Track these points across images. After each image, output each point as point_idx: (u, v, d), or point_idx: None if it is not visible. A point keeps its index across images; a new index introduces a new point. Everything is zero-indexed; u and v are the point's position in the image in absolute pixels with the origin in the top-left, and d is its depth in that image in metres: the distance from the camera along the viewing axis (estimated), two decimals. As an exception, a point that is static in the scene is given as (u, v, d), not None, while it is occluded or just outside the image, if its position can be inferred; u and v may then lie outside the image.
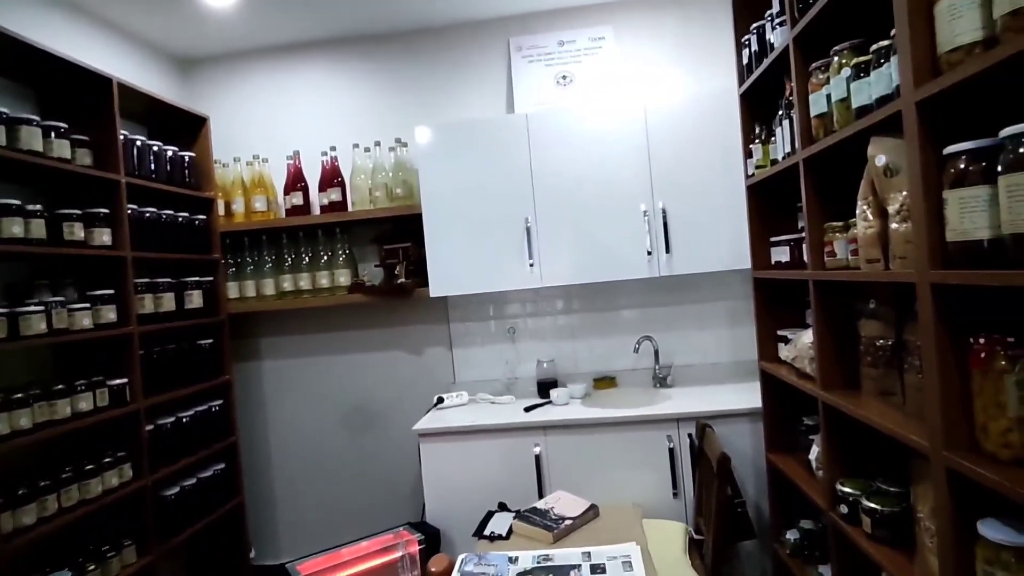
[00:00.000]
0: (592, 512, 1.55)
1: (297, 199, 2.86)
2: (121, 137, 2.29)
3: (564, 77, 2.93)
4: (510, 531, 1.53)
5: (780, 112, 1.74)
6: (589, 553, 1.37)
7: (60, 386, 1.96)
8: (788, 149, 1.67)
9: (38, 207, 1.96)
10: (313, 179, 2.92)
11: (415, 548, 2.28)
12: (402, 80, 3.03)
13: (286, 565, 2.20)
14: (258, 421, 3.12)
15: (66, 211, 2.07)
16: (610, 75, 2.89)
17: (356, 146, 2.86)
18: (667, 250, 2.56)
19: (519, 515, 1.55)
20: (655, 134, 2.57)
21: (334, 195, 2.84)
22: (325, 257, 2.88)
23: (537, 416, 2.45)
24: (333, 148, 2.88)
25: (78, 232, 2.10)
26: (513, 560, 1.38)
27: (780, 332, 1.95)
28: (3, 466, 1.86)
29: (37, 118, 1.98)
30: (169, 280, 2.52)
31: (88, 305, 2.10)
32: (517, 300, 2.98)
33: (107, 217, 2.21)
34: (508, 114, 2.86)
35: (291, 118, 3.08)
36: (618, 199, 2.59)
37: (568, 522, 1.52)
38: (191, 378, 2.61)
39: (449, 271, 2.69)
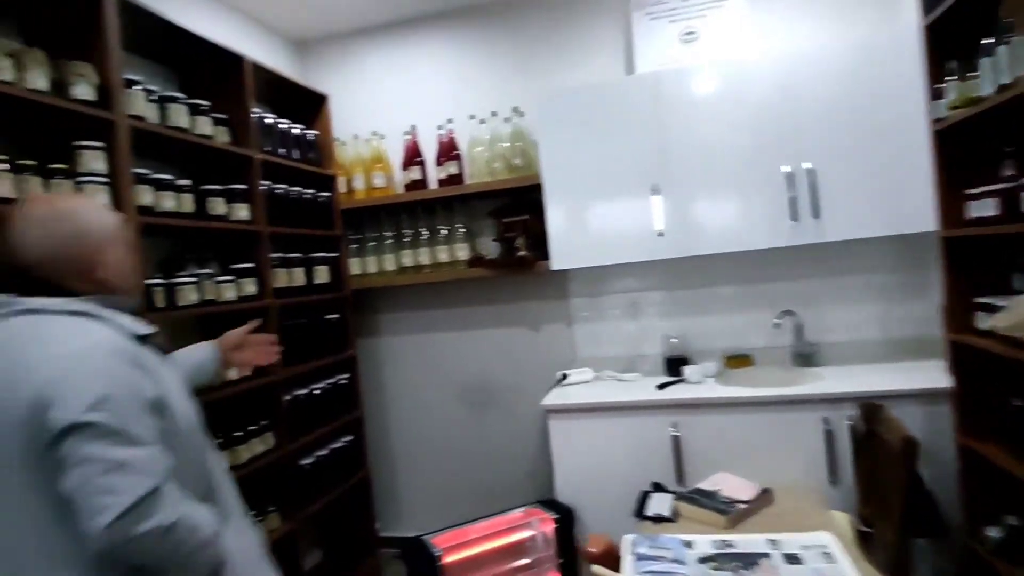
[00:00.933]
0: (766, 496, 1.40)
1: (415, 174, 2.84)
2: (254, 115, 2.34)
3: (690, 33, 2.72)
4: (675, 513, 1.41)
5: (988, 41, 1.48)
6: (775, 541, 1.23)
7: (210, 356, 2.03)
8: (1005, 80, 1.41)
9: (187, 182, 2.03)
10: (429, 154, 2.89)
11: (550, 526, 2.21)
12: (515, 48, 2.93)
13: (421, 538, 2.19)
14: (379, 396, 3.16)
15: (209, 187, 2.13)
16: (738, 28, 2.64)
17: (472, 117, 2.79)
18: (815, 215, 2.31)
19: (682, 497, 1.43)
20: (797, 90, 2.32)
21: (451, 168, 2.79)
22: (444, 232, 2.85)
23: (673, 394, 2.30)
24: (450, 121, 2.83)
25: (220, 207, 2.16)
26: (688, 544, 1.26)
27: (979, 300, 1.69)
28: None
29: (183, 95, 2.03)
30: (299, 255, 2.57)
31: (232, 278, 2.16)
32: (641, 273, 2.82)
33: (244, 193, 2.26)
34: (631, 75, 2.69)
35: (405, 94, 3.06)
36: (756, 162, 2.37)
37: (742, 506, 1.38)
38: (320, 352, 2.67)
39: (571, 243, 2.57)
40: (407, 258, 2.85)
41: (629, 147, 2.49)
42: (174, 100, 1.99)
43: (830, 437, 2.09)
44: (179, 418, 1.05)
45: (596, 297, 2.89)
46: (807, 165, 2.31)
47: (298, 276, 2.55)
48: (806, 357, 2.53)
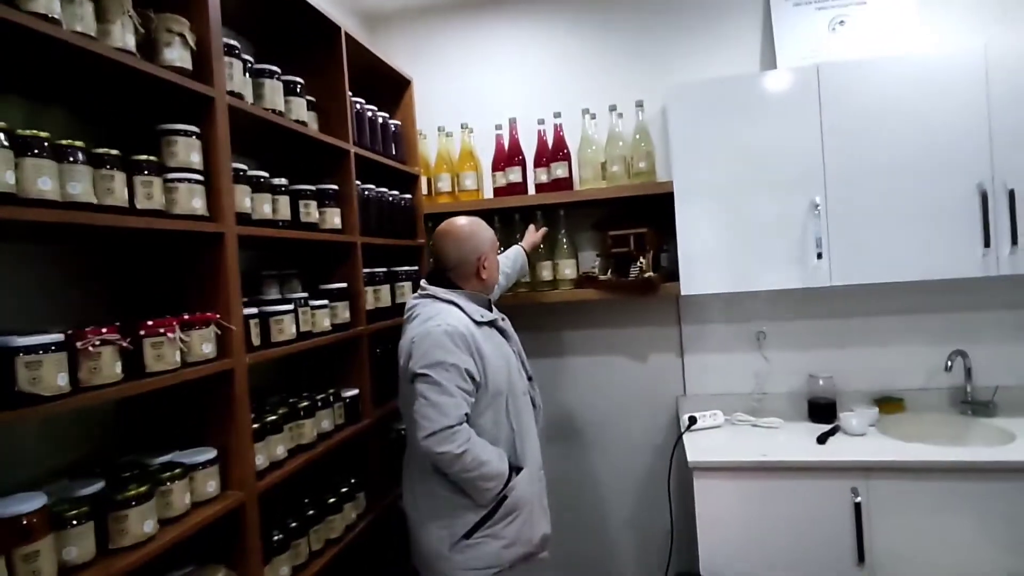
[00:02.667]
0: None
1: (515, 175, 2.42)
2: (350, 101, 1.91)
3: (841, 23, 2.35)
4: None
5: None
6: None
7: (304, 402, 1.60)
8: None
9: (283, 181, 1.59)
10: (528, 153, 2.47)
11: (706, 614, 1.82)
12: (633, 34, 2.53)
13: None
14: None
15: (301, 187, 1.69)
16: (903, 18, 2.28)
17: (586, 112, 2.38)
18: (1014, 241, 1.96)
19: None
20: (1001, 88, 1.96)
21: (559, 171, 2.38)
22: (543, 246, 2.43)
23: (852, 450, 1.93)
24: (557, 115, 2.42)
25: (313, 212, 1.72)
26: None
27: None
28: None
29: (278, 70, 1.60)
30: (383, 270, 2.14)
31: (326, 302, 1.73)
32: (768, 299, 2.45)
33: (335, 195, 1.83)
34: (786, 67, 2.30)
35: (497, 81, 2.64)
36: (939, 176, 2.01)
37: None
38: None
39: (706, 263, 2.18)
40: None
41: (784, 153, 2.11)
42: (270, 75, 1.55)
43: (1058, 514, 1.74)
44: (491, 385, 1.57)
45: (712, 324, 2.51)
46: (1005, 182, 1.96)
47: (384, 296, 2.12)
48: (981, 405, 2.17)
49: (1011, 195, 1.95)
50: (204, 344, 1.22)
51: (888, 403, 2.28)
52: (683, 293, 2.21)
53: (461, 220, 1.72)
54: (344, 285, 1.83)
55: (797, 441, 2.06)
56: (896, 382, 2.35)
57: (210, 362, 1.24)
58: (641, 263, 2.27)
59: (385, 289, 2.12)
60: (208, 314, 1.24)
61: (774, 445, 2.05)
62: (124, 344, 1.04)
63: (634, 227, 2.34)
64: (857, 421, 2.06)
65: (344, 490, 1.73)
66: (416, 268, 2.38)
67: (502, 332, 1.71)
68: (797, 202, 2.11)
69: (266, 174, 1.51)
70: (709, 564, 1.94)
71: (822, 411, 2.23)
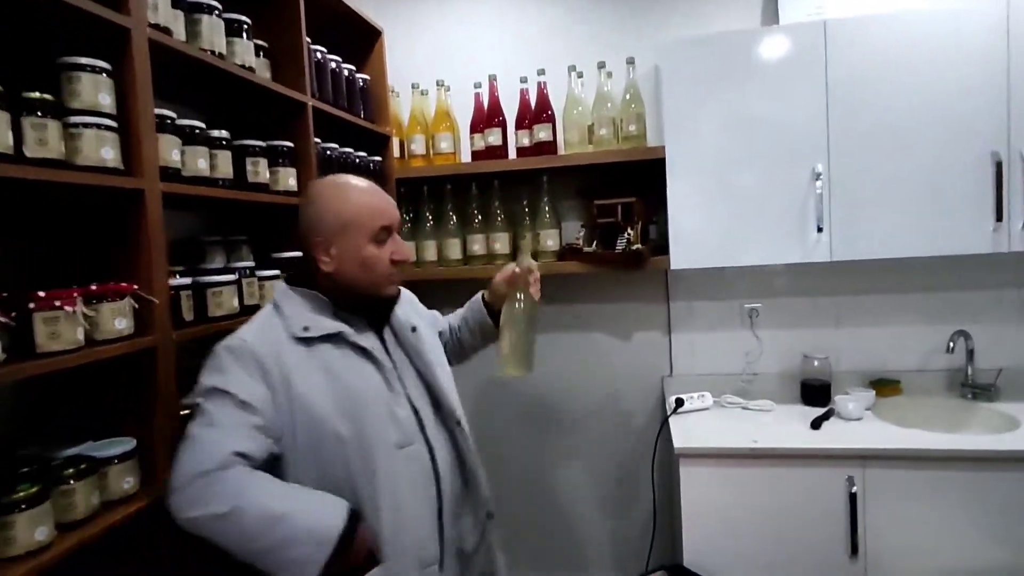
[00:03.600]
0: None
1: (494, 138, 2.23)
2: (307, 47, 1.70)
3: (850, -24, 2.16)
4: None
5: None
6: None
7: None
8: None
9: (224, 134, 1.40)
10: (509, 113, 2.28)
11: (689, 609, 1.71)
12: (621, -17, 2.32)
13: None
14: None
15: (247, 142, 1.50)
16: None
17: (572, 69, 2.19)
18: (1028, 215, 1.82)
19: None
20: (1017, 49, 1.80)
21: (542, 134, 2.19)
22: (527, 215, 2.26)
23: (847, 436, 1.80)
24: (542, 72, 2.22)
25: (263, 172, 1.53)
26: None
27: None
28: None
29: (219, 6, 1.39)
30: (348, 238, 1.96)
31: (277, 273, 1.55)
32: (761, 275, 2.30)
33: (290, 153, 1.64)
34: (787, 23, 2.11)
35: (478, 35, 2.43)
36: (951, 143, 1.85)
37: None
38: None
39: (698, 235, 2.03)
40: (478, 245, 2.26)
41: (784, 117, 1.94)
42: (208, 10, 1.35)
43: (1067, 507, 1.63)
44: (307, 429, 1.06)
45: (702, 301, 2.37)
46: (1022, 149, 1.81)
47: (348, 266, 1.94)
48: (983, 390, 2.06)
49: (1026, 163, 1.81)
50: (117, 319, 1.05)
51: (885, 385, 2.16)
52: (672, 267, 2.05)
53: (328, 179, 1.24)
54: (300, 254, 1.65)
55: (789, 425, 1.94)
56: (893, 363, 2.23)
57: (125, 340, 1.06)
58: (629, 234, 2.10)
59: (350, 259, 1.94)
60: (123, 284, 1.07)
61: (765, 430, 1.92)
62: (4, 319, 0.87)
63: (622, 196, 2.17)
64: (853, 405, 1.94)
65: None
66: (386, 237, 2.19)
67: (366, 353, 1.14)
68: (798, 171, 1.95)
69: (202, 124, 1.32)
70: (693, 555, 1.83)
71: (816, 393, 2.11)
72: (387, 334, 1.23)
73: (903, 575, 1.71)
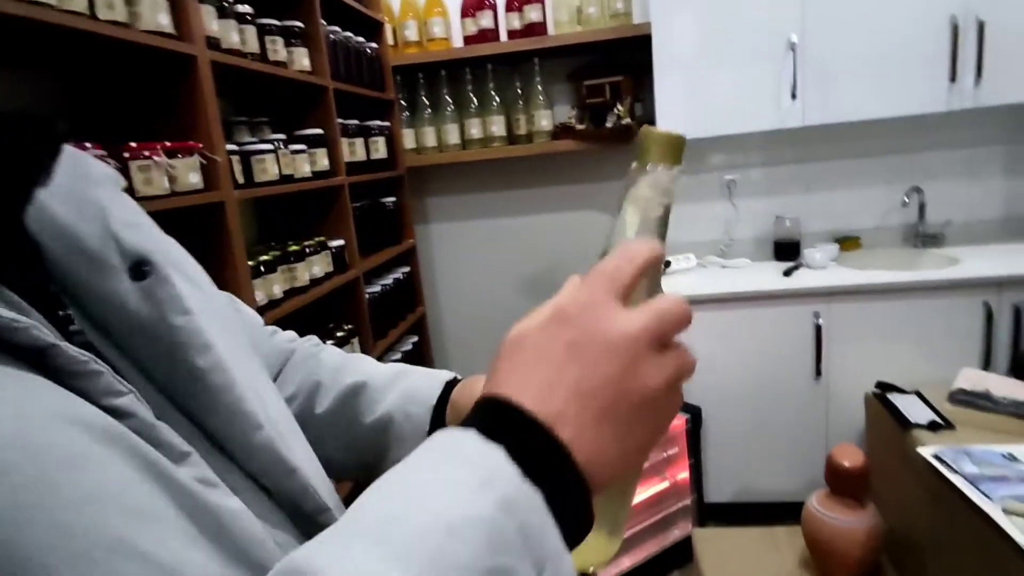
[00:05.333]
0: None
1: (486, 20, 2.30)
2: (305, -78, 1.73)
3: None
4: (945, 419, 1.20)
5: None
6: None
7: (293, 246, 1.60)
8: None
9: (248, 9, 1.47)
10: (498, -5, 2.33)
11: (680, 427, 2.01)
12: None
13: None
14: (433, 293, 2.79)
15: (265, 20, 1.57)
16: None
17: (559, -54, 2.24)
18: (979, 74, 2.01)
19: (956, 400, 1.23)
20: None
21: (532, 15, 2.27)
22: (520, 98, 2.37)
23: (814, 280, 2.06)
24: (529, -50, 2.26)
25: (280, 50, 1.62)
26: (1011, 457, 1.06)
27: None
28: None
29: None
30: (355, 122, 2.07)
31: (304, 147, 1.67)
32: (736, 147, 2.48)
33: (301, 34, 1.71)
34: None
35: (459, -86, 2.43)
36: (914, 8, 2.01)
37: (1033, 408, 1.19)
38: (383, 241, 2.25)
39: (684, 108, 2.18)
40: (476, 128, 2.38)
41: (760, -11, 2.06)
42: None
43: (991, 323, 1.93)
44: None
45: (684, 175, 2.54)
46: (976, 13, 1.97)
47: (358, 150, 2.06)
48: (932, 238, 2.33)
49: (980, 27, 1.98)
50: (191, 173, 1.18)
51: (847, 241, 2.42)
52: (659, 139, 2.21)
53: None
54: (320, 131, 1.76)
55: (764, 275, 2.19)
56: (856, 222, 2.48)
57: (199, 192, 1.20)
58: (618, 110, 2.25)
59: (359, 142, 2.06)
60: (191, 143, 1.19)
61: (743, 280, 2.17)
62: (113, 164, 1.00)
63: (610, 76, 2.29)
64: (820, 255, 2.19)
65: (340, 335, 1.78)
66: (388, 124, 2.29)
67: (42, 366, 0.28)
68: (774, 42, 2.09)
69: (228, -2, 1.40)
70: (687, 388, 2.11)
71: (787, 250, 2.36)
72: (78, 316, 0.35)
73: (856, 389, 2.03)
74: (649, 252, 0.35)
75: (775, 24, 2.07)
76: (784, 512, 1.78)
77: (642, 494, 1.94)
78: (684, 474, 2.04)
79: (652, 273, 0.37)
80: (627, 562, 1.91)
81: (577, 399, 0.30)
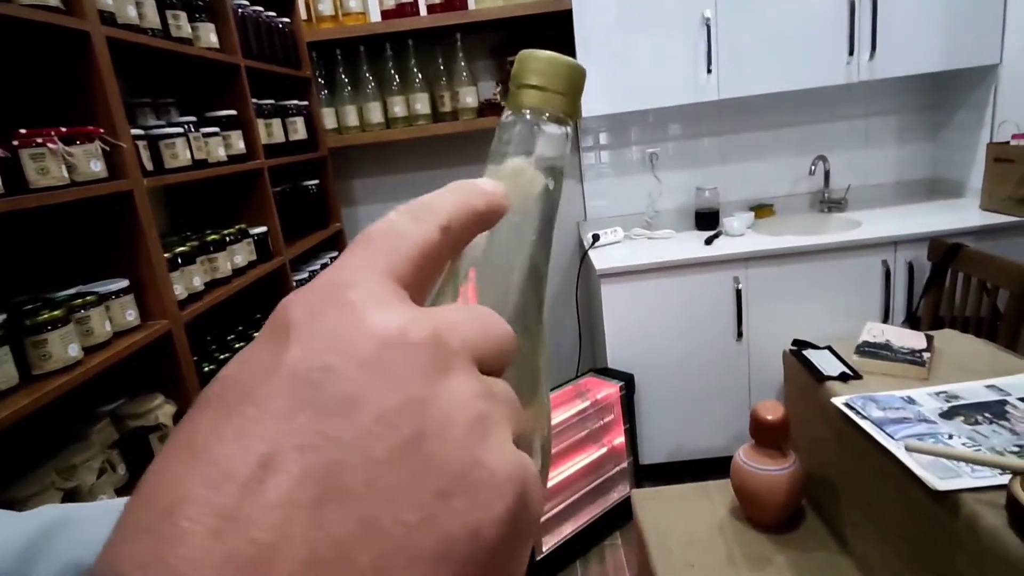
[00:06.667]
0: (931, 343, 1.34)
1: (404, -7, 2.23)
2: None
3: None
4: (853, 370, 1.31)
5: None
6: (997, 386, 1.18)
7: (212, 235, 1.51)
8: None
9: (144, -20, 1.36)
10: (415, -33, 2.27)
11: (613, 394, 2.08)
12: None
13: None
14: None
15: (164, -7, 1.46)
16: None
17: (475, -83, 2.19)
18: (873, 47, 2.15)
19: (862, 351, 1.33)
20: None
21: (451, -13, 2.22)
22: (443, 75, 2.33)
23: (730, 247, 2.16)
24: (444, -79, 2.20)
25: (184, 26, 1.51)
26: (910, 400, 1.17)
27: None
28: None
29: None
30: (271, 102, 1.97)
31: (217, 130, 1.58)
32: (657, 122, 2.56)
33: (207, 7, 1.61)
34: None
35: None
36: (814, -16, 2.12)
37: (927, 355, 1.31)
38: (307, 227, 2.17)
39: (605, 84, 2.22)
40: (399, 106, 2.32)
41: (675, -36, 2.11)
42: None
43: (888, 280, 2.10)
44: None
45: (608, 150, 2.61)
46: (870, -10, 2.10)
47: (276, 131, 1.97)
48: (836, 203, 2.50)
49: (874, 4, 2.11)
50: (92, 161, 1.09)
51: (761, 209, 2.55)
52: (584, 115, 2.24)
53: None
54: (234, 113, 1.67)
55: (687, 244, 2.28)
56: (769, 191, 2.62)
57: (104, 181, 1.12)
58: (542, 86, 2.25)
59: (276, 123, 1.97)
60: (91, 128, 1.10)
61: (668, 250, 2.25)
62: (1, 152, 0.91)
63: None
64: (737, 223, 2.30)
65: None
66: (306, 103, 2.20)
67: None
68: (690, 17, 2.15)
69: (121, -31, 1.28)
70: (615, 357, 2.19)
71: (707, 219, 2.46)
72: None
73: (774, 347, 2.16)
74: (483, 199, 0.21)
75: (686, 2, 2.13)
76: (715, 467, 1.89)
77: (581, 461, 2.01)
78: (620, 439, 2.12)
79: (489, 257, 0.22)
80: (569, 527, 1.98)
81: (302, 519, 0.14)
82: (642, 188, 2.62)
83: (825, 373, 1.31)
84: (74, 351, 1.02)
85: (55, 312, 1.00)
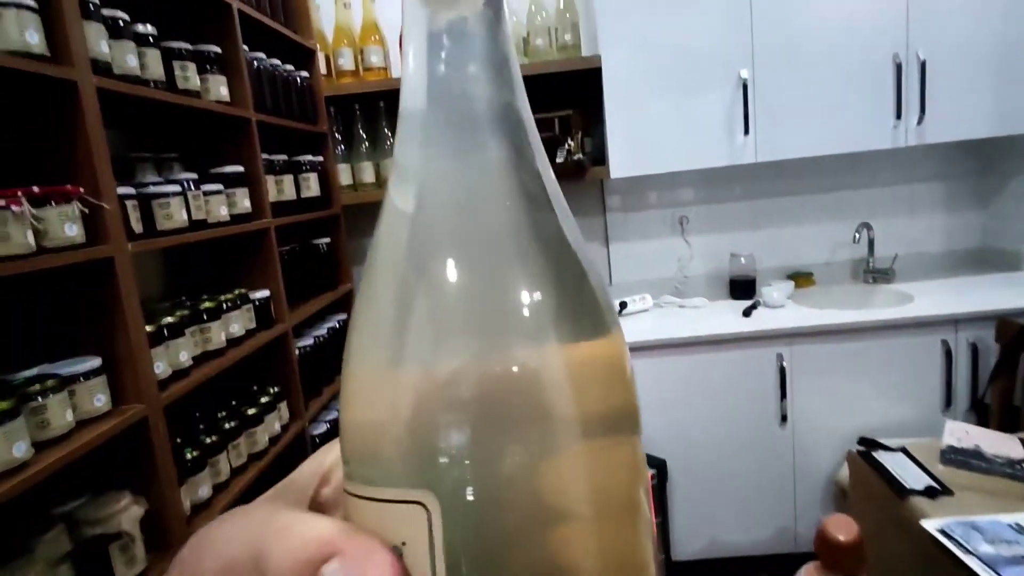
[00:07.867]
0: None
1: (427, 50, 2.15)
2: (223, -63, 1.55)
3: None
4: (941, 484, 1.11)
5: None
6: None
7: (207, 303, 1.37)
8: None
9: (150, 29, 1.26)
10: (439, 24, 2.20)
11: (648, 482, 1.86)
12: None
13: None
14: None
15: (175, 44, 1.37)
16: None
17: (503, -25, 2.13)
18: (922, 111, 2.02)
19: (947, 460, 1.14)
20: (919, -45, 1.95)
21: (476, 44, 2.14)
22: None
23: (775, 321, 1.98)
24: (471, -22, 2.14)
25: (193, 78, 1.41)
26: (1019, 528, 0.97)
27: None
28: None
29: None
30: (284, 158, 1.86)
31: (220, 187, 1.46)
32: (689, 183, 2.43)
33: (219, 59, 1.51)
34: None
35: (397, -60, 2.29)
36: (859, 49, 2.01)
37: (1029, 467, 1.11)
38: (317, 287, 2.03)
39: (636, 145, 2.10)
40: (417, 164, 2.21)
41: (714, 28, 2.02)
42: None
43: (950, 361, 1.90)
44: None
45: (636, 212, 2.47)
46: (920, 53, 1.99)
47: (287, 187, 1.85)
48: (883, 273, 2.32)
49: (923, 66, 1.99)
50: (67, 225, 0.96)
51: (800, 277, 2.38)
52: (613, 176, 2.12)
53: None
54: (240, 169, 1.55)
55: (723, 316, 2.10)
56: (807, 257, 2.45)
57: (78, 248, 0.98)
58: (569, 145, 2.14)
59: (288, 180, 1.85)
60: (68, 187, 0.97)
61: (702, 322, 2.08)
62: (-51, 216, 0.77)
63: (558, 110, 2.19)
64: (777, 294, 2.13)
65: (264, 400, 1.54)
66: (321, 159, 2.10)
67: None
68: (726, 80, 2.05)
69: (126, 16, 1.19)
70: (645, 440, 1.97)
71: (743, 288, 2.29)
72: None
73: (823, 434, 1.95)
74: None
75: (725, 59, 2.03)
76: (754, 565, 1.66)
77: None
78: (651, 534, 1.89)
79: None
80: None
81: None
82: (671, 252, 2.47)
83: (908, 486, 1.11)
84: (20, 451, 0.85)
85: (1, 404, 0.84)
